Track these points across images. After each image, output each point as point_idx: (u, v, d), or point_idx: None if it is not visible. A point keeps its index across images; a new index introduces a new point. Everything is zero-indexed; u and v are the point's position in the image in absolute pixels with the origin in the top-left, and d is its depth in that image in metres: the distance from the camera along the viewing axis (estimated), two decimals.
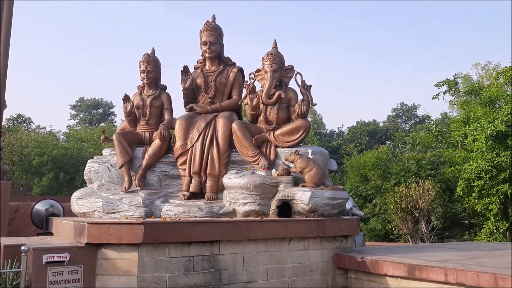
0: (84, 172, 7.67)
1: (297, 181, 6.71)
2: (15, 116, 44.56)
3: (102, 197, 7.14)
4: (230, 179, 6.74)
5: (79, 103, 49.51)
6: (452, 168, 12.27)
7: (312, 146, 7.37)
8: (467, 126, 14.37)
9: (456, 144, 14.59)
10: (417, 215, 10.72)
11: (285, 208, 6.54)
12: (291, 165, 6.80)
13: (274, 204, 6.55)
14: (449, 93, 17.23)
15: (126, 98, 7.71)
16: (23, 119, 45.04)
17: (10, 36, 6.70)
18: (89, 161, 7.72)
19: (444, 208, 11.96)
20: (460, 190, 11.89)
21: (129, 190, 7.20)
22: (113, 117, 49.08)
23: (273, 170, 6.81)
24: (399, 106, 46.89)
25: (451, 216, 12.92)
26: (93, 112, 49.33)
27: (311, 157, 6.80)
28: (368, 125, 39.79)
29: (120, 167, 7.39)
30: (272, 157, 7.16)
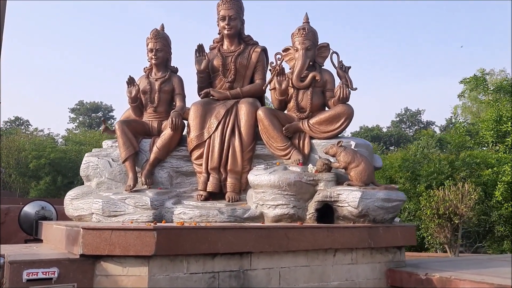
0: (81, 168, 6.45)
1: (339, 179, 5.52)
2: (12, 118, 43.54)
3: (102, 197, 5.93)
4: (258, 175, 5.53)
5: (78, 107, 48.65)
6: (490, 170, 11.08)
7: (355, 137, 6.16)
8: (499, 125, 13.24)
9: (487, 144, 13.48)
10: (456, 222, 9.47)
11: (325, 212, 5.34)
12: (332, 159, 5.60)
13: (312, 207, 5.34)
14: (476, 90, 16.13)
15: (130, 81, 6.50)
16: (21, 121, 44.02)
17: (2, 38, 6.13)
18: (86, 154, 6.51)
19: (479, 215, 10.76)
20: (499, 194, 10.70)
21: (134, 189, 5.99)
22: (112, 120, 48.01)
23: (310, 166, 5.61)
24: (403, 112, 46.06)
25: (485, 224, 11.69)
26: (92, 115, 48.41)
27: (356, 149, 5.60)
28: (372, 130, 38.95)
29: (124, 162, 6.19)
30: (306, 150, 5.95)
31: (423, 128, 40.62)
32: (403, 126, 46.55)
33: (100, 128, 7.16)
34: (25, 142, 30.90)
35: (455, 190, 9.60)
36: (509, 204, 10.77)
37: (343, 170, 5.51)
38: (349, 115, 5.88)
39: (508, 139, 12.45)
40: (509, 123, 12.24)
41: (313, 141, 5.99)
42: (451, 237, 9.72)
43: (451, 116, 31.88)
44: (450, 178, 10.94)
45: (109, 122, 47.25)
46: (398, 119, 46.21)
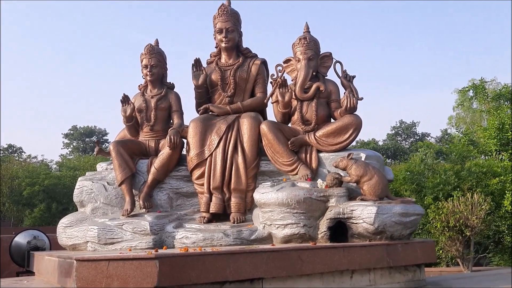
0: (74, 193, 6.06)
1: (351, 194, 5.17)
2: (5, 146, 43.02)
3: (97, 224, 5.54)
4: (264, 193, 5.17)
5: (72, 132, 48.26)
6: (497, 178, 10.76)
7: (364, 149, 5.84)
8: (501, 133, 13.01)
9: (490, 153, 13.22)
10: (468, 234, 9.09)
11: (338, 229, 4.98)
12: (342, 173, 5.26)
13: (324, 225, 4.97)
14: (476, 98, 16.00)
15: (125, 99, 6.17)
16: (14, 149, 43.50)
17: None
18: (80, 178, 6.13)
19: (488, 226, 10.39)
20: (508, 204, 10.35)
21: (131, 214, 5.61)
22: (107, 144, 47.58)
23: (319, 181, 5.26)
24: (398, 124, 46.05)
25: (494, 235, 11.31)
26: (86, 140, 47.98)
27: (368, 162, 5.27)
28: (368, 144, 38.79)
29: (120, 185, 5.81)
30: (314, 164, 5.61)
31: (419, 140, 40.63)
32: (398, 138, 46.52)
33: (94, 151, 6.73)
34: (18, 169, 30.46)
35: (465, 201, 9.24)
36: None
37: (355, 184, 5.18)
38: (357, 126, 5.57)
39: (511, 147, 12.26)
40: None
41: (321, 154, 5.66)
42: (463, 250, 9.32)
43: (446, 128, 31.84)
44: (457, 189, 10.58)
45: (103, 145, 46.83)
46: (393, 131, 46.18)
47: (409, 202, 4.95)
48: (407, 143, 45.45)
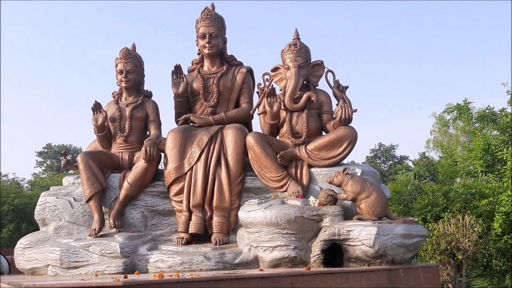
0: (36, 210, 5.42)
1: (346, 213, 4.68)
2: None
3: (60, 245, 4.90)
4: (251, 212, 4.64)
5: (46, 150, 46.75)
6: (486, 200, 10.46)
7: (360, 165, 5.39)
8: (486, 154, 12.83)
9: (476, 174, 13.02)
10: (460, 257, 8.68)
11: (332, 252, 4.47)
12: (337, 190, 4.77)
13: (317, 247, 4.45)
14: (459, 119, 15.96)
15: (96, 107, 5.59)
16: None
17: None
18: (42, 194, 5.49)
19: (476, 248, 10.05)
20: (498, 226, 10.04)
21: (100, 234, 4.99)
22: None
23: (312, 198, 4.76)
24: (377, 147, 46.25)
25: (483, 258, 10.97)
26: (61, 158, 46.57)
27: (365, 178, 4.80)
28: None
29: (88, 201, 5.20)
30: (305, 180, 5.11)
31: (398, 163, 40.78)
32: (378, 161, 46.63)
33: (60, 159, 6.05)
34: None
35: (456, 223, 8.87)
36: (509, 237, 10.08)
37: (350, 202, 4.70)
38: (352, 139, 5.12)
39: (498, 167, 12.06)
40: (500, 151, 11.85)
41: (312, 169, 5.18)
42: (454, 275, 8.90)
43: (424, 151, 32.03)
44: (447, 210, 10.24)
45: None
46: (372, 154, 46.31)
47: (412, 222, 4.48)
48: (386, 165, 45.61)
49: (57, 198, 5.34)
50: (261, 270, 4.26)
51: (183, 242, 4.95)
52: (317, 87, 5.72)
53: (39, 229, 5.62)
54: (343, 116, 5.11)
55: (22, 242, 5.25)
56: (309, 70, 5.62)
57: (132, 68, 5.82)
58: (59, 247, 4.86)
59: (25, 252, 5.13)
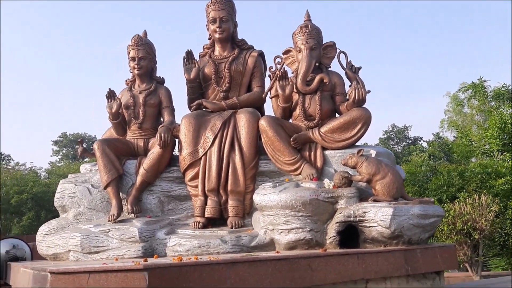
0: (55, 197, 5.52)
1: (361, 195, 4.68)
2: None
3: (80, 231, 5.00)
4: (266, 195, 4.66)
5: (61, 139, 47.47)
6: (503, 179, 10.36)
7: (374, 146, 5.37)
8: (503, 133, 12.66)
9: (492, 153, 12.86)
10: (476, 237, 8.65)
11: (348, 234, 4.49)
12: (351, 171, 4.77)
13: (333, 229, 4.47)
14: (475, 98, 15.68)
15: (110, 95, 5.64)
16: (2, 156, 42.59)
17: None
18: (61, 181, 5.59)
19: (493, 228, 9.98)
20: None
21: (118, 219, 5.08)
22: None
23: (326, 180, 4.76)
24: (390, 128, 45.71)
25: (499, 238, 10.90)
26: (76, 147, 47.23)
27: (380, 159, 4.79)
28: None
29: (105, 188, 5.28)
30: (319, 163, 5.12)
31: (411, 144, 40.32)
32: (391, 143, 46.13)
33: (76, 148, 6.13)
34: (6, 177, 29.75)
35: (472, 203, 8.82)
36: None
37: (365, 184, 4.70)
38: (366, 120, 5.09)
39: None
40: None
41: (326, 152, 5.17)
42: (471, 255, 8.89)
43: (438, 132, 31.65)
44: (463, 190, 10.17)
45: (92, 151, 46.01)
46: (385, 136, 45.78)
47: (428, 202, 4.46)
48: (399, 147, 45.16)
49: (75, 185, 5.44)
50: (277, 252, 4.30)
51: (199, 226, 5.02)
52: (329, 69, 5.67)
53: (57, 216, 5.73)
54: (356, 97, 5.07)
55: (44, 228, 5.37)
56: (321, 51, 5.56)
57: (144, 55, 5.84)
58: (79, 233, 4.96)
59: (47, 238, 5.25)
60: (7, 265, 6.25)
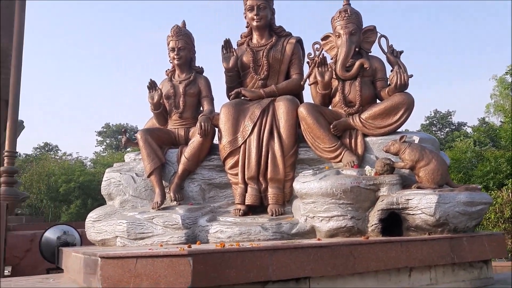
0: (102, 185, 5.72)
1: (404, 182, 4.58)
2: (42, 144, 44.14)
3: (126, 218, 5.17)
4: (306, 183, 4.65)
5: (105, 129, 49.13)
6: None
7: (417, 132, 5.23)
8: None
9: None
10: None
11: (390, 222, 4.41)
12: (394, 158, 4.68)
13: (375, 217, 4.41)
14: None
15: (152, 85, 5.77)
16: (50, 147, 44.57)
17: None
18: (107, 170, 5.78)
19: None
20: None
21: (162, 207, 5.22)
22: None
23: (367, 168, 4.70)
24: (433, 114, 44.17)
25: None
26: (119, 137, 48.79)
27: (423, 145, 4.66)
28: None
29: (149, 176, 5.43)
30: (360, 150, 5.05)
31: (455, 130, 38.87)
32: (433, 129, 44.60)
33: (120, 138, 6.32)
34: (54, 167, 31.14)
35: None
36: None
37: (408, 171, 4.59)
38: (409, 105, 4.95)
39: None
40: None
41: (367, 138, 5.09)
42: None
43: (484, 116, 30.36)
44: (509, 178, 9.77)
45: (135, 141, 47.28)
46: (427, 122, 44.30)
47: (475, 189, 4.32)
48: (442, 133, 43.64)
49: (120, 174, 5.62)
50: (318, 239, 4.30)
51: (240, 213, 5.08)
52: (369, 54, 5.55)
53: (102, 204, 5.95)
54: (398, 82, 4.94)
55: (92, 216, 5.60)
56: (361, 36, 5.44)
57: (183, 45, 5.91)
58: (125, 219, 5.13)
59: (95, 225, 5.47)
60: (58, 250, 6.57)
